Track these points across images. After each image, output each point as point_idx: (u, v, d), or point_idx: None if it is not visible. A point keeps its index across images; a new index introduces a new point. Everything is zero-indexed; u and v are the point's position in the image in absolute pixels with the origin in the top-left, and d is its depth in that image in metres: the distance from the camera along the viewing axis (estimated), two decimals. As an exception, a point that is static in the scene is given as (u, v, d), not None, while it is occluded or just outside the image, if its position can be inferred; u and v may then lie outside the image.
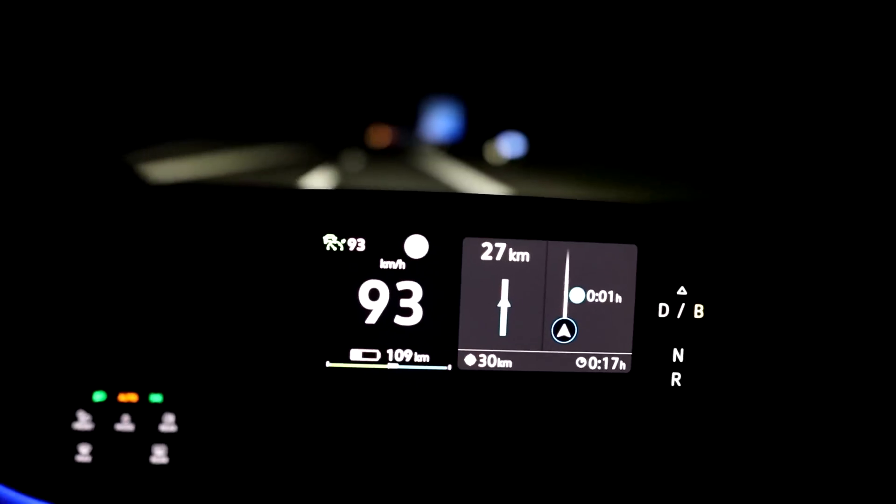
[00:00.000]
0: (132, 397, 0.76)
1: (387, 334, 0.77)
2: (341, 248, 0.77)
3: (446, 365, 0.78)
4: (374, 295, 0.77)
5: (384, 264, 0.77)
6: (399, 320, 0.77)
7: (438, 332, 0.78)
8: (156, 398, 0.77)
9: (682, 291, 0.80)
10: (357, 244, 0.77)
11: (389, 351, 0.77)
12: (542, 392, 0.79)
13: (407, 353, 0.78)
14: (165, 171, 0.93)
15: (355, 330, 0.77)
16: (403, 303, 0.77)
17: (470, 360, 0.78)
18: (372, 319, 0.77)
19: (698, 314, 0.81)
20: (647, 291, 0.80)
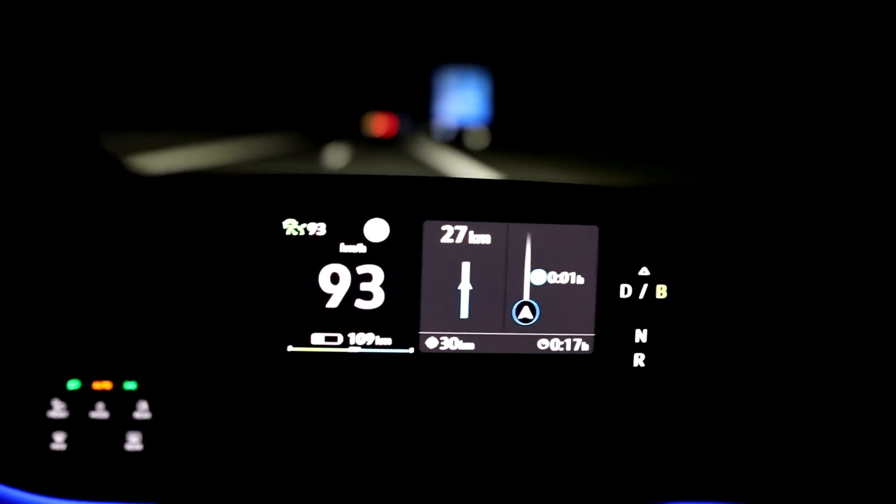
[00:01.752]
0: (106, 385, 0.78)
1: (348, 318, 0.78)
2: (301, 233, 0.77)
3: (408, 348, 0.79)
4: (335, 279, 0.78)
5: (344, 248, 0.77)
6: (360, 304, 0.78)
7: (400, 316, 0.78)
8: (130, 385, 0.78)
9: (644, 272, 0.80)
10: (317, 229, 0.77)
11: (351, 335, 0.78)
12: (504, 374, 0.79)
13: (368, 337, 0.78)
14: (140, 161, 0.94)
15: (317, 314, 0.78)
16: (364, 286, 0.78)
17: (432, 342, 0.79)
18: (333, 303, 0.78)
19: (661, 295, 0.80)
20: (609, 273, 0.80)
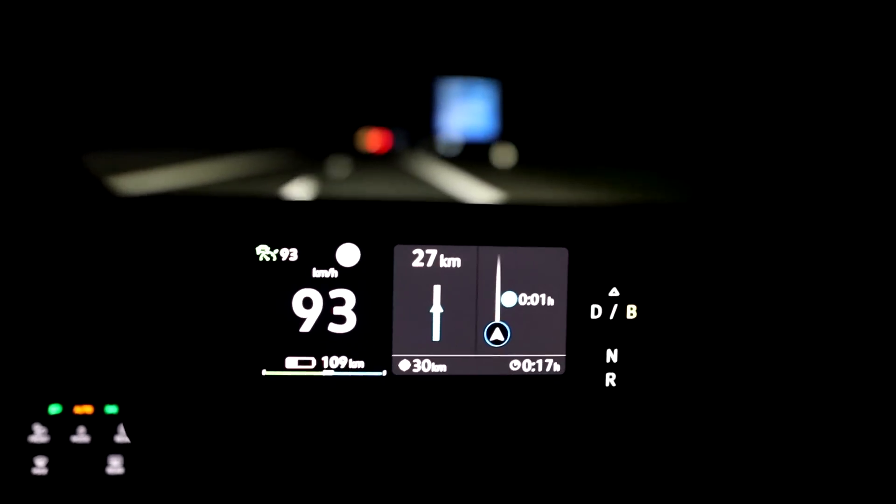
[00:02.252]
0: (87, 409, 0.79)
1: (321, 342, 0.79)
2: (274, 258, 0.78)
3: (381, 371, 0.80)
4: (307, 303, 0.79)
5: (317, 273, 0.79)
6: (333, 328, 0.79)
7: (372, 339, 0.79)
8: (111, 409, 0.79)
9: (613, 293, 0.81)
10: (290, 254, 0.78)
11: (324, 358, 0.79)
12: (477, 395, 0.80)
13: (342, 360, 0.79)
14: (115, 182, 0.96)
15: (290, 338, 0.79)
16: (337, 310, 0.79)
17: (404, 365, 0.80)
18: (306, 328, 0.79)
19: (631, 315, 0.81)
20: (579, 293, 0.80)
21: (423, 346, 0.80)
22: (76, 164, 0.90)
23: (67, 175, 0.90)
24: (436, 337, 0.80)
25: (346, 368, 0.79)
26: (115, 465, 0.79)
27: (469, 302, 0.80)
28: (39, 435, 0.78)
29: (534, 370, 0.81)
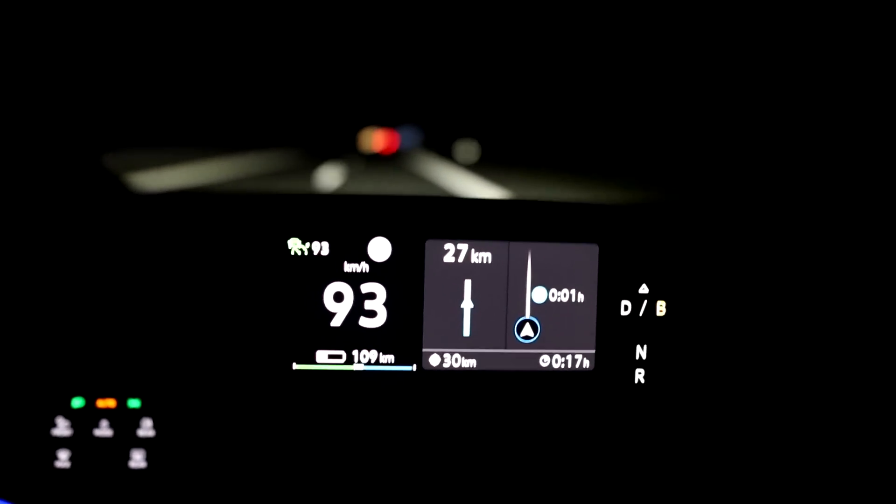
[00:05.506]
0: (110, 403, 0.78)
1: (352, 336, 0.79)
2: (306, 252, 0.78)
3: (411, 365, 0.79)
4: (338, 297, 0.78)
5: (348, 267, 0.78)
6: (364, 322, 0.79)
7: (403, 333, 0.79)
8: (134, 403, 0.78)
9: (643, 289, 0.81)
10: (321, 248, 0.78)
11: (355, 352, 0.79)
12: (506, 391, 0.80)
13: (372, 354, 0.79)
14: (143, 179, 0.95)
15: (321, 332, 0.78)
16: (368, 305, 0.79)
17: (434, 360, 0.80)
18: (337, 322, 0.79)
19: (660, 311, 0.81)
20: (609, 290, 0.81)
21: (454, 341, 0.79)
22: (96, 163, 0.90)
23: (88, 173, 0.90)
24: (466, 332, 0.80)
25: (377, 363, 0.79)
26: (137, 459, 0.79)
27: (499, 297, 0.80)
28: (62, 428, 0.77)
29: (563, 366, 0.81)
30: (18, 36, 0.86)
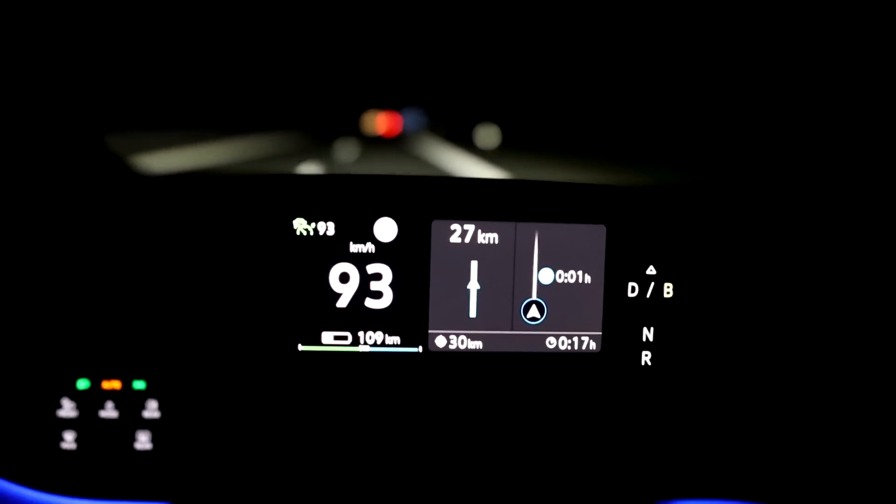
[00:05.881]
0: (115, 384, 0.78)
1: (358, 317, 0.78)
2: (311, 233, 0.78)
3: (417, 346, 0.79)
4: (344, 278, 0.78)
5: (354, 248, 0.78)
6: (370, 303, 0.79)
7: (409, 315, 0.79)
8: (139, 385, 0.78)
9: (650, 271, 0.81)
10: (327, 228, 0.78)
11: (360, 333, 0.79)
12: (512, 372, 0.80)
13: (378, 336, 0.79)
14: (147, 161, 0.95)
15: (327, 313, 0.78)
16: (374, 286, 0.78)
17: (440, 341, 0.79)
18: (343, 303, 0.78)
19: (667, 293, 0.81)
20: (616, 271, 0.80)
21: (460, 323, 0.79)
22: (100, 145, 0.89)
23: (92, 155, 0.90)
24: (472, 313, 0.79)
25: (383, 344, 0.79)
26: (143, 441, 0.79)
27: (506, 278, 0.79)
28: (68, 410, 0.77)
29: (569, 348, 0.80)
30: (23, 19, 0.86)
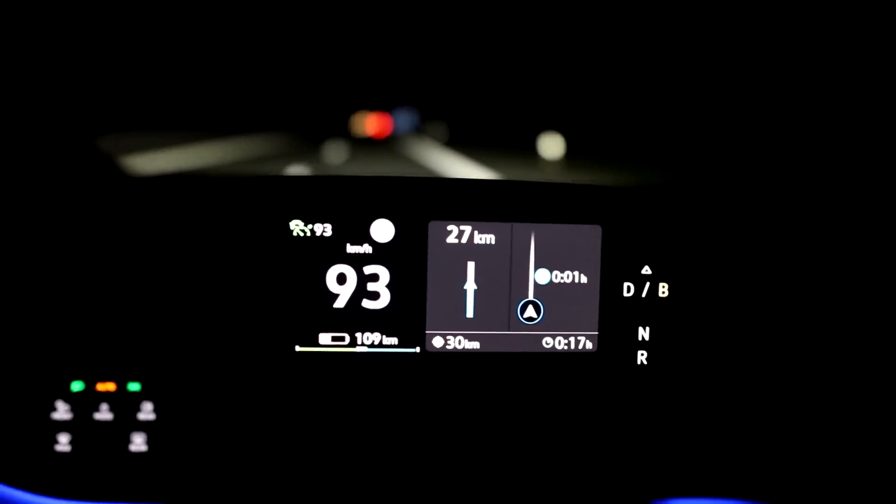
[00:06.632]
0: (110, 386, 0.78)
1: (355, 318, 0.78)
2: (308, 234, 0.78)
3: (414, 347, 0.79)
4: (341, 279, 0.78)
5: (351, 249, 0.78)
6: (367, 304, 0.79)
7: (406, 315, 0.79)
8: (134, 387, 0.78)
9: (646, 271, 0.81)
10: (323, 229, 0.78)
11: (358, 334, 0.79)
12: (509, 372, 0.80)
13: (375, 337, 0.79)
14: (140, 162, 0.94)
15: (324, 314, 0.78)
16: (371, 286, 0.78)
17: (438, 341, 0.79)
18: (340, 304, 0.78)
19: (663, 293, 0.81)
20: (611, 271, 0.81)
21: (457, 323, 0.79)
22: (93, 147, 0.89)
23: (85, 157, 0.89)
24: (469, 314, 0.79)
25: (380, 345, 0.79)
26: (138, 443, 0.78)
27: (503, 279, 0.79)
28: (62, 412, 0.77)
29: (566, 348, 0.81)
30: (15, 20, 0.85)
